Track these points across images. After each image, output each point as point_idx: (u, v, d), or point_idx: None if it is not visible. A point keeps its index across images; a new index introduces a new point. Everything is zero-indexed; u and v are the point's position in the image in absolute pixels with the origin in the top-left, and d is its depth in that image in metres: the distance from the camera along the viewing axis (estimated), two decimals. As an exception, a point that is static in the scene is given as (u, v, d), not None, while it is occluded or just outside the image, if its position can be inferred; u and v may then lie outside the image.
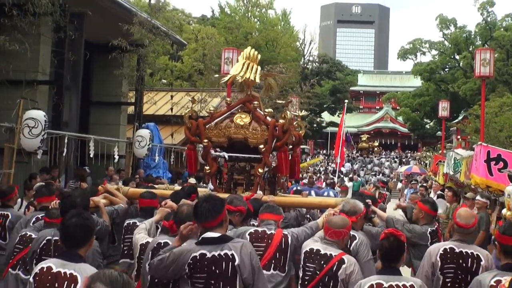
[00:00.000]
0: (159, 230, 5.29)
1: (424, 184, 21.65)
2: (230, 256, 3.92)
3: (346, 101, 34.39)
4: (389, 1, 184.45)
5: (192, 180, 11.67)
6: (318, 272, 4.53)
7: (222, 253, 3.92)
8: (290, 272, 5.12)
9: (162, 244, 4.52)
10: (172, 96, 20.98)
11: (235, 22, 48.49)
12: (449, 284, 4.79)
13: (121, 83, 15.85)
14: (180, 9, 47.19)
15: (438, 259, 4.82)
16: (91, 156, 11.93)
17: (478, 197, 9.51)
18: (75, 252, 3.67)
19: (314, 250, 4.66)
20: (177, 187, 7.73)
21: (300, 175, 18.38)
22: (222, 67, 16.35)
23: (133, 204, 6.72)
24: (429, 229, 6.05)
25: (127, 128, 16.78)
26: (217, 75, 16.15)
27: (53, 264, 3.63)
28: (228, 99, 7.48)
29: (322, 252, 4.60)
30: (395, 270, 4.00)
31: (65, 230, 3.75)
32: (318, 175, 29.71)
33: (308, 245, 4.78)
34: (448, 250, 4.85)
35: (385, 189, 20.10)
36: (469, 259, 4.78)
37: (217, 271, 3.89)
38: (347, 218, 4.86)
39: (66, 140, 10.94)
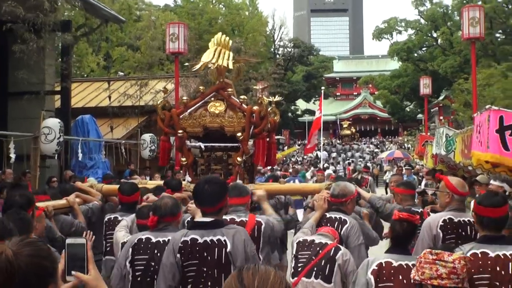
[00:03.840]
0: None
1: (408, 167, 20.01)
2: (223, 242, 3.83)
3: (323, 88, 32.58)
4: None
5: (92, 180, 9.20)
6: (313, 258, 4.49)
7: (214, 238, 3.84)
8: (267, 259, 5.04)
9: (143, 240, 4.39)
10: (109, 83, 18.70)
11: (198, 8, 46.30)
12: None
13: (44, 70, 13.31)
14: (139, -1, 44.76)
15: (439, 230, 4.78)
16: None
17: (492, 181, 7.21)
18: None
19: (308, 240, 4.65)
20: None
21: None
22: (167, 44, 14.87)
23: (108, 202, 6.59)
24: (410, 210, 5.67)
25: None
26: (187, 63, 15.46)
27: None
28: (201, 87, 7.37)
29: (317, 241, 4.60)
30: (404, 249, 4.03)
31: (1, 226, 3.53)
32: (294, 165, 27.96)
33: (299, 237, 4.78)
34: (448, 220, 4.84)
35: (368, 174, 19.39)
36: (468, 227, 4.80)
37: (209, 257, 3.81)
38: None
39: None
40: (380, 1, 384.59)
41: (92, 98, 19.56)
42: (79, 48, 34.34)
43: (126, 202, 5.83)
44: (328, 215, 5.17)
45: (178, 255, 3.82)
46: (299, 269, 4.55)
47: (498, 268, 3.65)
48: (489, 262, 3.66)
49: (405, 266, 3.84)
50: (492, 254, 3.70)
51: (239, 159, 6.51)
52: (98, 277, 2.39)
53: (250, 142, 6.88)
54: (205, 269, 3.80)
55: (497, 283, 3.63)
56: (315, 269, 4.46)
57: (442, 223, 4.79)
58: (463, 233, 4.78)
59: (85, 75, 32.70)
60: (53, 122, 11.95)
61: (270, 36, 59.66)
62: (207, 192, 3.93)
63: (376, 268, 3.87)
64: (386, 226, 6.20)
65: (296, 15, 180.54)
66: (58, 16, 11.89)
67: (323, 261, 4.44)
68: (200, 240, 3.83)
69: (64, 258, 2.28)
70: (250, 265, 1.88)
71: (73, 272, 2.26)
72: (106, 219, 5.87)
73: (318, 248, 4.52)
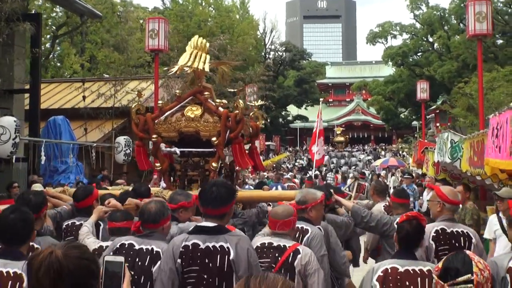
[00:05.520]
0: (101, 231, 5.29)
1: (408, 176, 18.92)
2: (226, 249, 3.70)
3: (322, 99, 31.86)
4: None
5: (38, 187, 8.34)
6: (273, 266, 4.28)
7: (217, 245, 3.72)
8: None
9: (126, 245, 4.14)
10: (83, 83, 18.00)
11: (188, 10, 45.51)
12: None
13: (13, 66, 12.26)
14: (127, 1, 43.83)
15: (432, 242, 4.72)
16: None
17: None
18: (16, 250, 3.52)
19: (266, 244, 4.41)
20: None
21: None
22: (147, 40, 14.16)
23: None
24: (397, 219, 5.48)
25: (24, 125, 13.23)
26: (165, 68, 14.95)
27: None
28: (178, 91, 7.33)
29: (275, 244, 4.38)
30: (411, 254, 3.95)
31: (5, 226, 3.61)
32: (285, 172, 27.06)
33: (257, 241, 4.51)
34: (440, 231, 4.79)
35: (365, 180, 19.15)
36: (461, 238, 4.78)
37: (211, 264, 3.68)
38: (289, 206, 4.74)
39: None
40: (373, 8, 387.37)
41: (69, 99, 18.72)
42: (61, 47, 33.28)
43: (81, 208, 5.73)
44: None
45: (179, 260, 3.69)
46: None
47: None
48: None
49: (411, 272, 3.80)
50: None
51: (214, 164, 6.42)
52: None
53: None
54: (205, 276, 3.67)
55: None
56: None
57: (435, 234, 4.76)
58: (457, 244, 4.74)
59: (69, 76, 31.70)
60: (8, 121, 10.96)
61: (261, 40, 58.93)
62: (213, 194, 3.84)
63: (382, 274, 3.84)
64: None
65: (288, 21, 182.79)
66: (15, 5, 10.75)
67: (282, 270, 4.25)
68: (202, 246, 3.72)
69: (101, 275, 2.30)
70: (258, 273, 1.85)
71: None
72: (64, 225, 5.71)
73: (276, 254, 4.33)
